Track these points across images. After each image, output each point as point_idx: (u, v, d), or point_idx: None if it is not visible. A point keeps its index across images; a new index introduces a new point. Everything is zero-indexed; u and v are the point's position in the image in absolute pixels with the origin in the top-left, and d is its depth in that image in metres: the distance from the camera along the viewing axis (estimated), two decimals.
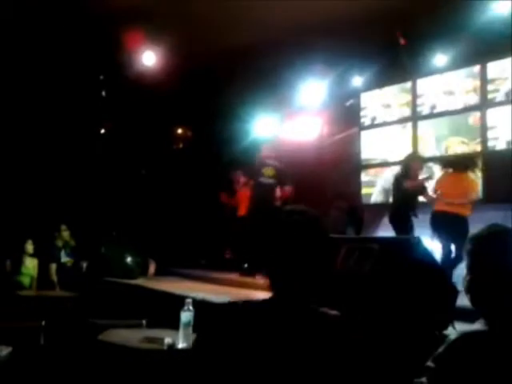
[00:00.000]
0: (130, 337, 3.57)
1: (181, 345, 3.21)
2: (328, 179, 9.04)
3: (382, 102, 9.11)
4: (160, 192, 10.07)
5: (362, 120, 9.41)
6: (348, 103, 9.56)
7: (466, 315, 2.98)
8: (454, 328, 3.26)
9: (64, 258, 8.33)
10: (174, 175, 10.22)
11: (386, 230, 7.30)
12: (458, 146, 7.93)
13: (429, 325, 3.49)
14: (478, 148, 7.69)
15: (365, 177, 9.34)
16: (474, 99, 7.85)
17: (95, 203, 9.58)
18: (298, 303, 1.45)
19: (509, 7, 6.78)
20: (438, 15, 6.82)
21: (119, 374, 3.27)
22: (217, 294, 5.99)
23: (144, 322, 4.45)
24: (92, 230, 8.95)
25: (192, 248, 9.52)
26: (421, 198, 6.61)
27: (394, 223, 6.50)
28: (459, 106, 8.02)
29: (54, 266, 8.07)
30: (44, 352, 4.60)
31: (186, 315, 3.22)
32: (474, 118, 7.85)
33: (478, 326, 1.55)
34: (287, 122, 10.09)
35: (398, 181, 6.56)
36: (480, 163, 7.11)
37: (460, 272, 5.65)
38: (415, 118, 8.62)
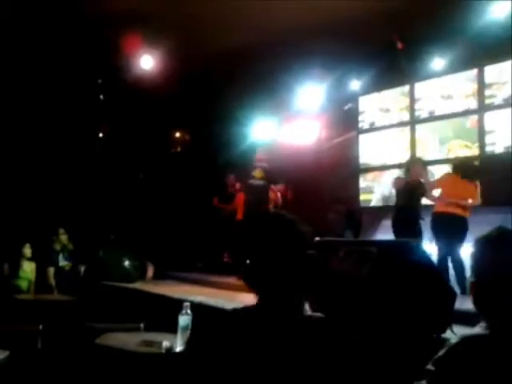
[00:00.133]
0: (128, 340, 3.56)
1: (179, 348, 3.20)
2: (326, 183, 9.05)
3: (380, 106, 9.11)
4: (158, 196, 10.07)
5: (360, 124, 9.40)
6: (346, 107, 9.56)
7: (464, 319, 2.98)
8: (453, 331, 3.26)
9: (62, 262, 8.31)
10: (172, 179, 10.22)
11: (384, 233, 7.30)
12: (461, 150, 7.92)
13: (427, 328, 3.49)
14: (477, 152, 7.71)
15: (363, 182, 9.33)
16: (471, 103, 7.86)
17: (93, 207, 9.58)
18: (281, 307, 1.47)
19: (506, 11, 6.81)
20: (435, 19, 6.84)
21: (117, 377, 3.26)
22: (215, 297, 5.98)
23: (142, 325, 4.44)
24: (90, 233, 8.94)
25: (190, 251, 9.52)
26: (424, 201, 6.59)
27: (400, 227, 6.43)
28: (457, 110, 8.04)
29: (51, 270, 8.04)
30: (41, 356, 4.58)
31: (184, 319, 3.20)
32: (471, 121, 7.87)
33: (478, 329, 1.54)
34: (285, 126, 10.11)
35: (414, 190, 6.46)
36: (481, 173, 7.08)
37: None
38: (413, 121, 8.62)
